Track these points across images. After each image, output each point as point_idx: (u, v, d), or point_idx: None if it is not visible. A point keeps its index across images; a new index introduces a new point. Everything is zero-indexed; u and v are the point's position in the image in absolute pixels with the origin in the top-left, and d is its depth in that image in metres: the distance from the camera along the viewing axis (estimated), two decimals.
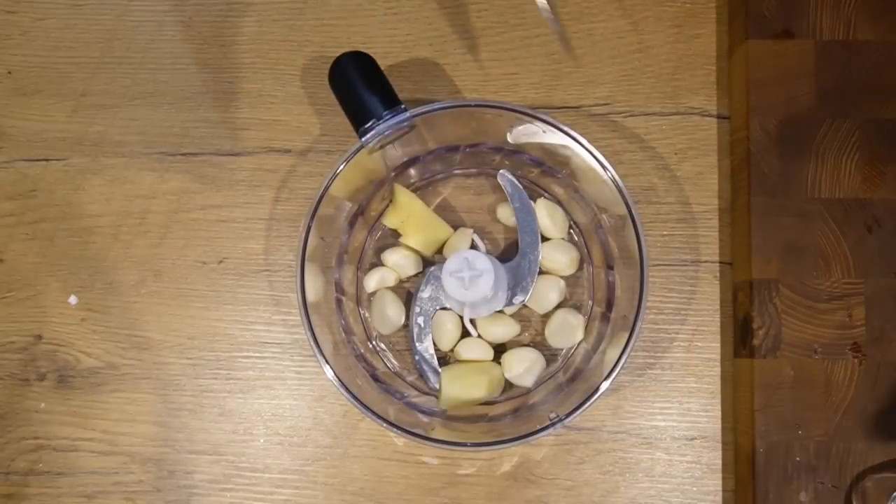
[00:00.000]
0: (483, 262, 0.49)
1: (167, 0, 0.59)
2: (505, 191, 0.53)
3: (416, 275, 0.55)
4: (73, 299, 0.57)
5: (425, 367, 0.52)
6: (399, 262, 0.54)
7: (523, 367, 0.53)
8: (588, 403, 0.47)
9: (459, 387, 0.51)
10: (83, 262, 0.57)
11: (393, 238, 0.55)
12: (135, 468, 0.56)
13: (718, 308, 0.56)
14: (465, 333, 0.54)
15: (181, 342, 0.56)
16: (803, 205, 0.53)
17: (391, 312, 0.54)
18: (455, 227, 0.55)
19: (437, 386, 0.52)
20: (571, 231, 0.55)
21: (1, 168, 0.58)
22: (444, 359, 0.54)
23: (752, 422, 0.51)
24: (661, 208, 0.56)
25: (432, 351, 0.53)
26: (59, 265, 0.57)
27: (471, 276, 0.49)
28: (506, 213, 0.55)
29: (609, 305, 0.52)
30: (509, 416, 0.52)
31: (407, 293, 0.56)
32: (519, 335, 0.54)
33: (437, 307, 0.53)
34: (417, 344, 0.52)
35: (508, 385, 0.54)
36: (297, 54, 0.58)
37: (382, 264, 0.55)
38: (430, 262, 0.55)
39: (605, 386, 0.47)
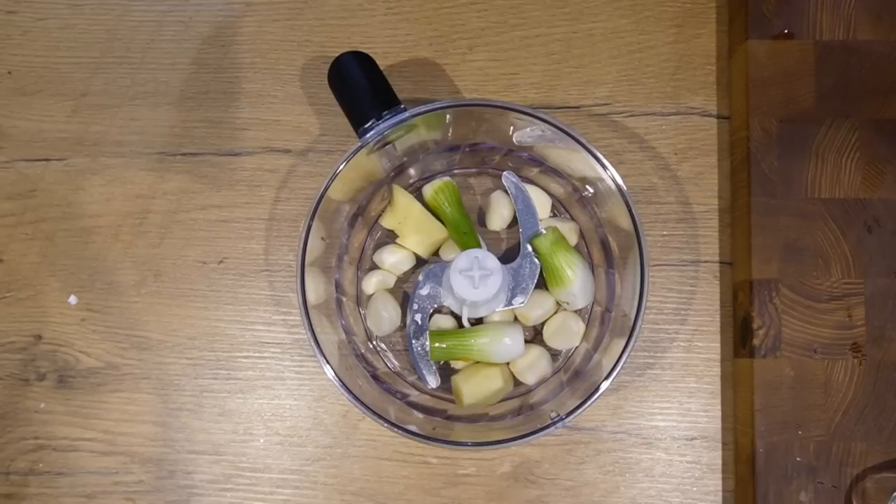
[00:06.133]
0: (493, 262, 0.49)
1: (167, 0, 0.59)
2: (509, 192, 0.53)
3: (410, 270, 0.55)
4: (73, 299, 0.57)
5: (421, 364, 0.52)
6: (393, 261, 0.54)
7: (526, 362, 0.53)
8: (588, 403, 0.47)
9: (475, 384, 0.51)
10: (83, 262, 0.57)
11: (392, 239, 0.55)
12: (135, 468, 0.56)
13: (718, 308, 0.56)
14: None
15: (181, 342, 0.56)
16: (803, 205, 0.53)
17: (387, 314, 0.54)
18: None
19: (433, 384, 0.52)
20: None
21: (1, 168, 0.58)
22: (445, 365, 0.54)
23: (752, 422, 0.51)
24: (661, 208, 0.56)
25: (428, 348, 0.53)
26: (59, 265, 0.57)
27: (481, 276, 0.49)
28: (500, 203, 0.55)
29: (609, 305, 0.52)
30: (509, 416, 0.52)
31: (403, 293, 0.56)
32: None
33: (435, 304, 0.53)
34: (414, 341, 0.52)
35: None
36: (297, 54, 0.58)
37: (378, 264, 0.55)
38: (424, 259, 0.55)
39: (605, 386, 0.47)
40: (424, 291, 0.52)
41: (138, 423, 0.56)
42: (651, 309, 0.56)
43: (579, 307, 0.53)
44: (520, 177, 0.53)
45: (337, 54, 0.50)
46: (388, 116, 0.48)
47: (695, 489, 0.55)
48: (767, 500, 0.51)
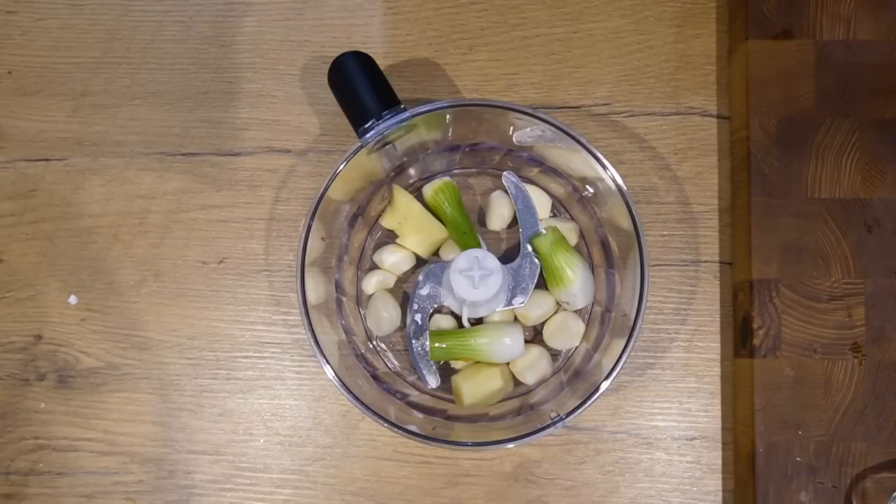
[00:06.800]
0: (493, 262, 0.49)
1: (167, 0, 0.59)
2: (509, 192, 0.53)
3: (410, 270, 0.55)
4: (73, 299, 0.57)
5: (421, 364, 0.52)
6: (393, 261, 0.54)
7: (526, 362, 0.53)
8: (588, 403, 0.47)
9: (475, 384, 0.51)
10: (83, 262, 0.57)
11: (392, 239, 0.55)
12: (135, 468, 0.56)
13: (718, 308, 0.56)
14: None
15: (181, 342, 0.56)
16: (803, 205, 0.53)
17: (387, 314, 0.54)
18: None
19: (433, 384, 0.52)
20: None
21: (1, 168, 0.58)
22: (445, 365, 0.54)
23: (752, 422, 0.51)
24: (661, 208, 0.56)
25: (428, 348, 0.53)
26: (59, 265, 0.57)
27: (480, 276, 0.49)
28: (500, 202, 0.55)
29: (609, 305, 0.52)
30: (509, 416, 0.52)
31: (403, 293, 0.56)
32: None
33: (435, 304, 0.53)
34: (414, 341, 0.52)
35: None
36: (297, 54, 0.58)
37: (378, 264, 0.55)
38: (424, 259, 0.55)
39: (605, 386, 0.47)
40: (424, 291, 0.52)
41: (138, 423, 0.56)
42: (651, 309, 0.56)
43: (579, 307, 0.53)
44: (520, 177, 0.53)
45: (337, 54, 0.50)
46: (388, 116, 0.48)
47: (695, 489, 0.55)
48: (767, 500, 0.51)
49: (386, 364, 0.55)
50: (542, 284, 0.53)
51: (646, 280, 0.47)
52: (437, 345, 0.52)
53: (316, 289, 0.50)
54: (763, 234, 0.52)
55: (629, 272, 0.49)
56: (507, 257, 0.54)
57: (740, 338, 0.54)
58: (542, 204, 0.54)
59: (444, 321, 0.54)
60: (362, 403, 0.47)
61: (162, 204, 0.58)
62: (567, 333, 0.53)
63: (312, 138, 0.58)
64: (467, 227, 0.53)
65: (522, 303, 0.52)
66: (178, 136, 0.58)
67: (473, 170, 0.56)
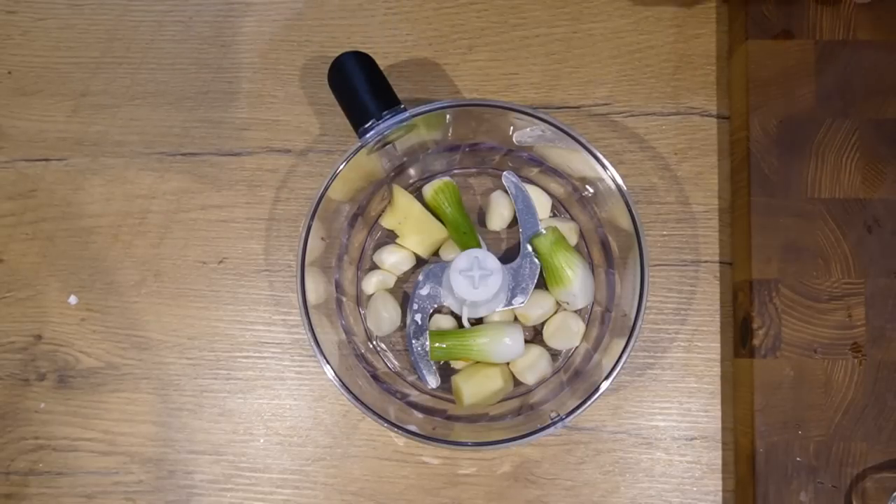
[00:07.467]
0: (493, 262, 0.49)
1: (167, 0, 0.59)
2: (509, 192, 0.53)
3: (410, 270, 0.55)
4: (73, 299, 0.57)
5: (421, 364, 0.52)
6: (393, 261, 0.54)
7: (526, 362, 0.53)
8: (588, 403, 0.47)
9: (475, 384, 0.51)
10: (83, 262, 0.57)
11: (392, 239, 0.55)
12: (135, 468, 0.56)
13: (718, 308, 0.56)
14: None
15: (181, 342, 0.56)
16: (803, 205, 0.53)
17: (387, 314, 0.54)
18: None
19: (433, 384, 0.52)
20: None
21: (1, 168, 0.58)
22: (445, 365, 0.54)
23: (752, 422, 0.51)
24: (661, 208, 0.56)
25: (428, 348, 0.53)
26: (59, 265, 0.57)
27: (481, 276, 0.49)
28: (500, 202, 0.55)
29: (609, 305, 0.52)
30: (509, 416, 0.52)
31: (403, 293, 0.56)
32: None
33: (435, 304, 0.53)
34: (414, 341, 0.52)
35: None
36: (297, 54, 0.58)
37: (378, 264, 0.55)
38: (424, 259, 0.55)
39: (605, 386, 0.47)
40: (424, 291, 0.52)
41: (138, 423, 0.56)
42: (651, 309, 0.56)
43: (579, 307, 0.53)
44: (520, 177, 0.53)
45: (337, 54, 0.50)
46: (388, 116, 0.48)
47: (695, 489, 0.55)
48: (767, 500, 0.51)
49: (386, 364, 0.55)
50: (542, 284, 0.53)
51: (646, 280, 0.47)
52: (437, 345, 0.52)
53: (316, 289, 0.50)
54: (763, 234, 0.52)
55: (629, 272, 0.49)
56: (507, 257, 0.54)
57: (740, 338, 0.54)
58: (542, 204, 0.54)
59: (444, 321, 0.54)
60: (362, 403, 0.47)
61: (162, 204, 0.58)
62: (567, 333, 0.53)
63: (312, 138, 0.58)
64: (467, 227, 0.53)
65: (522, 303, 0.52)
66: (178, 136, 0.58)
67: (473, 170, 0.56)
